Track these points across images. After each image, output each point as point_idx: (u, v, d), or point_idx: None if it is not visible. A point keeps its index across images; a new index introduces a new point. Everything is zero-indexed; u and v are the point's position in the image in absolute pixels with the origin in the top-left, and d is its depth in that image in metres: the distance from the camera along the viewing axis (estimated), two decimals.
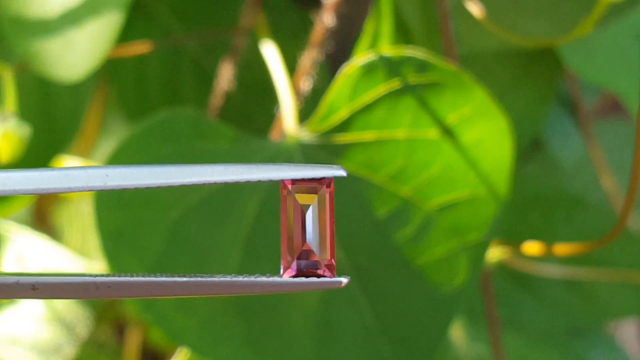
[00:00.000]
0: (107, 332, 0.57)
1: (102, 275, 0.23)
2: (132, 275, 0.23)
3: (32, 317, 0.52)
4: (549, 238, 0.50)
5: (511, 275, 0.53)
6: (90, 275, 0.23)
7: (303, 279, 0.23)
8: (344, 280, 0.23)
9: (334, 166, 0.24)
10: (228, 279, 0.23)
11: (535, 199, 0.53)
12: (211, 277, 0.23)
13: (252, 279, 0.23)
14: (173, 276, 0.23)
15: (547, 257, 0.52)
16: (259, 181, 0.24)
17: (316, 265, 0.24)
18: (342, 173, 0.24)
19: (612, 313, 0.54)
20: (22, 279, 0.22)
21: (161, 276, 0.23)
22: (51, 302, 0.53)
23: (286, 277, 0.23)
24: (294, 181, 0.24)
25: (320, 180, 0.24)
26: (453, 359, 0.52)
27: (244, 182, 0.24)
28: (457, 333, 0.52)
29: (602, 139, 0.59)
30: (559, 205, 0.53)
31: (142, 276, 0.23)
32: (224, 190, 0.41)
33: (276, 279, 0.23)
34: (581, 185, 0.60)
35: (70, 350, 0.52)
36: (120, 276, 0.23)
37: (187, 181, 0.23)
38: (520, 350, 0.52)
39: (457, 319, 0.47)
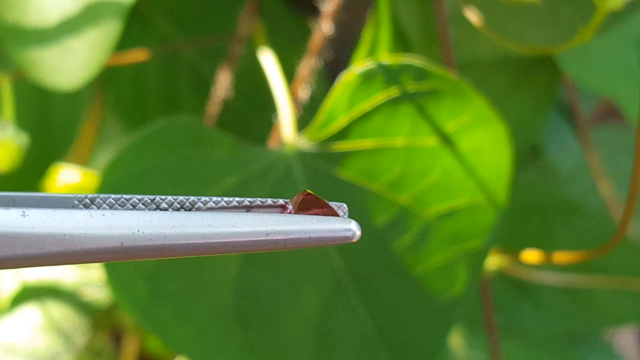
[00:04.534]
0: (104, 341, 0.57)
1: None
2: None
3: (29, 325, 0.52)
4: (547, 244, 0.50)
5: (510, 283, 0.53)
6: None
7: (309, 217, 0.22)
8: (357, 231, 0.22)
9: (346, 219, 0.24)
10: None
11: (533, 206, 0.53)
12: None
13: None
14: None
15: (546, 265, 0.51)
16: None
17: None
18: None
19: (610, 320, 0.54)
20: (13, 209, 0.22)
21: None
22: (48, 310, 0.53)
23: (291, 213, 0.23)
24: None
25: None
26: None
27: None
28: (456, 340, 0.52)
29: (599, 146, 0.59)
30: (558, 212, 0.53)
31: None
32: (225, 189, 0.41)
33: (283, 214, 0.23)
34: (579, 192, 0.60)
35: (67, 358, 0.52)
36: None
37: None
38: (519, 358, 0.52)
39: (456, 326, 0.46)
